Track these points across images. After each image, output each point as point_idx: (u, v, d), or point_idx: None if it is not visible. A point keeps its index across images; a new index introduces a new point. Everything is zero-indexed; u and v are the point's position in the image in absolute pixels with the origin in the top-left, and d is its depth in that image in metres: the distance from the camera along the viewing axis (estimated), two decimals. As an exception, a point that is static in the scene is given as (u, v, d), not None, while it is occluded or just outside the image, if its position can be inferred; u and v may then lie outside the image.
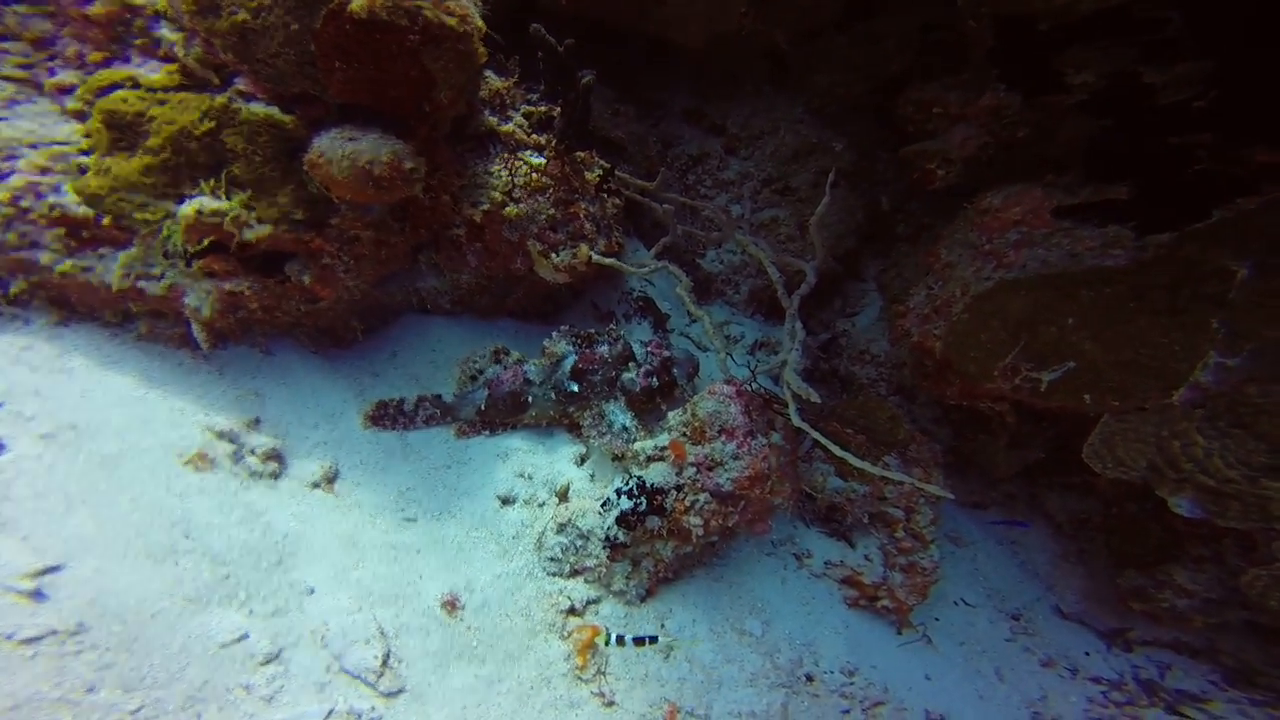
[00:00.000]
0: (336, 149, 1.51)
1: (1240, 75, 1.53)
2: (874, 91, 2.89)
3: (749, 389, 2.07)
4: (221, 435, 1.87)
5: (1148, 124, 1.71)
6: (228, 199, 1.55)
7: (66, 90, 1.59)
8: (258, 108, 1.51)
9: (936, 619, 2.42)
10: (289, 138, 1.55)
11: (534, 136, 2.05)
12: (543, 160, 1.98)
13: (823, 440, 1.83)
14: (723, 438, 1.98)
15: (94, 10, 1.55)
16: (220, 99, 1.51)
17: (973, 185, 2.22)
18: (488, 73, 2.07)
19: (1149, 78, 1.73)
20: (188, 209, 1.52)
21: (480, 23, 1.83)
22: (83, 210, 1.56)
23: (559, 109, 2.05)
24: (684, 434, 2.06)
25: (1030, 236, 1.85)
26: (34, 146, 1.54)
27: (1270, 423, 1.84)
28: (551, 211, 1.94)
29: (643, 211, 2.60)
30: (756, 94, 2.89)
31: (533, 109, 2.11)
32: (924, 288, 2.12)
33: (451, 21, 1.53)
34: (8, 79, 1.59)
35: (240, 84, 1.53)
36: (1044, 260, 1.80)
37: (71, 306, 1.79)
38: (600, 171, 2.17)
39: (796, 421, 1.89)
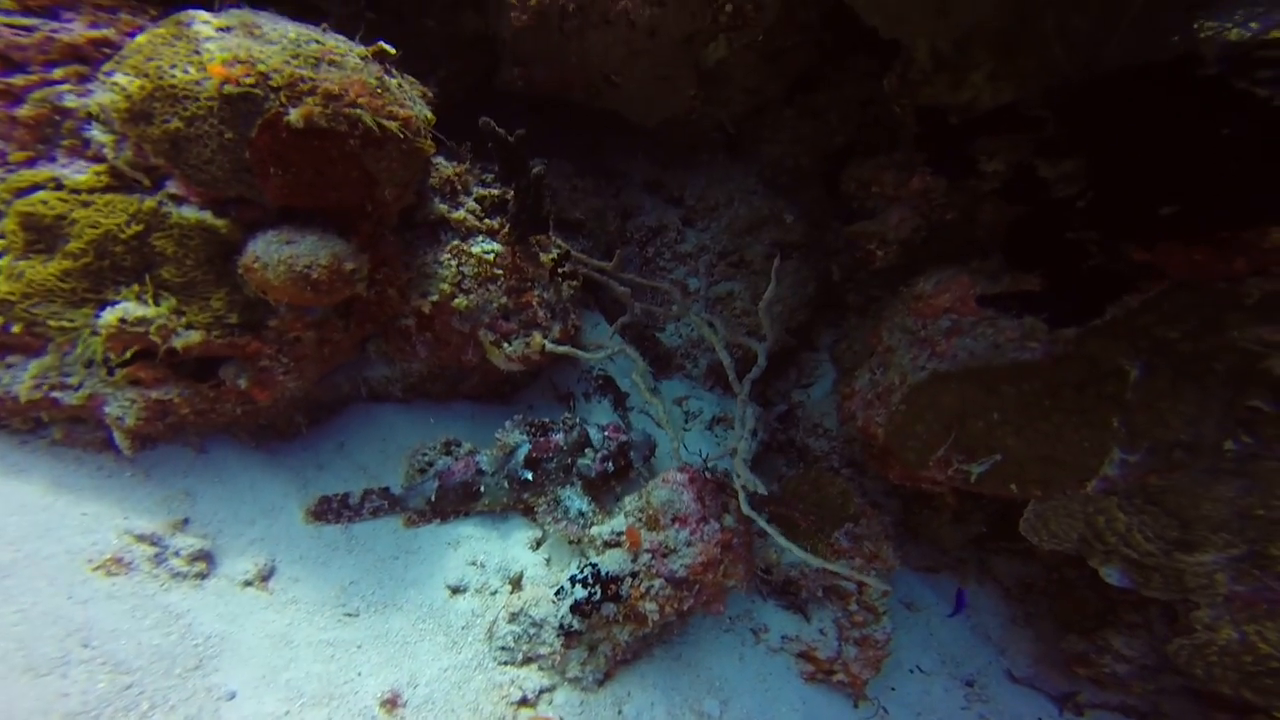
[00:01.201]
0: (273, 253, 1.49)
1: (1106, 175, 1.68)
2: (821, 161, 3.05)
3: (703, 473, 2.10)
4: (141, 538, 1.76)
5: (1048, 217, 1.86)
6: (155, 304, 1.49)
7: (-19, 190, 1.51)
8: (190, 212, 1.48)
9: (893, 689, 2.46)
10: (223, 241, 1.51)
11: (487, 221, 2.07)
12: (495, 247, 1.99)
13: (771, 531, 1.86)
14: (676, 525, 2.00)
15: (22, 112, 1.50)
16: (150, 202, 1.47)
17: (910, 265, 2.35)
18: (438, 159, 2.08)
19: (1043, 172, 1.90)
20: (110, 317, 1.46)
21: (427, 116, 1.86)
22: (-8, 319, 1.48)
23: (512, 193, 2.08)
24: (639, 520, 2.06)
25: (959, 325, 1.97)
26: (-61, 251, 1.46)
27: (1176, 500, 1.98)
28: (504, 300, 1.95)
29: (603, 284, 2.65)
30: (712, 163, 3.01)
31: (486, 192, 2.13)
32: (868, 370, 2.21)
33: (393, 126, 1.55)
34: None
35: (172, 187, 1.49)
36: (971, 351, 1.92)
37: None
38: (556, 253, 2.20)
39: (746, 511, 1.92)
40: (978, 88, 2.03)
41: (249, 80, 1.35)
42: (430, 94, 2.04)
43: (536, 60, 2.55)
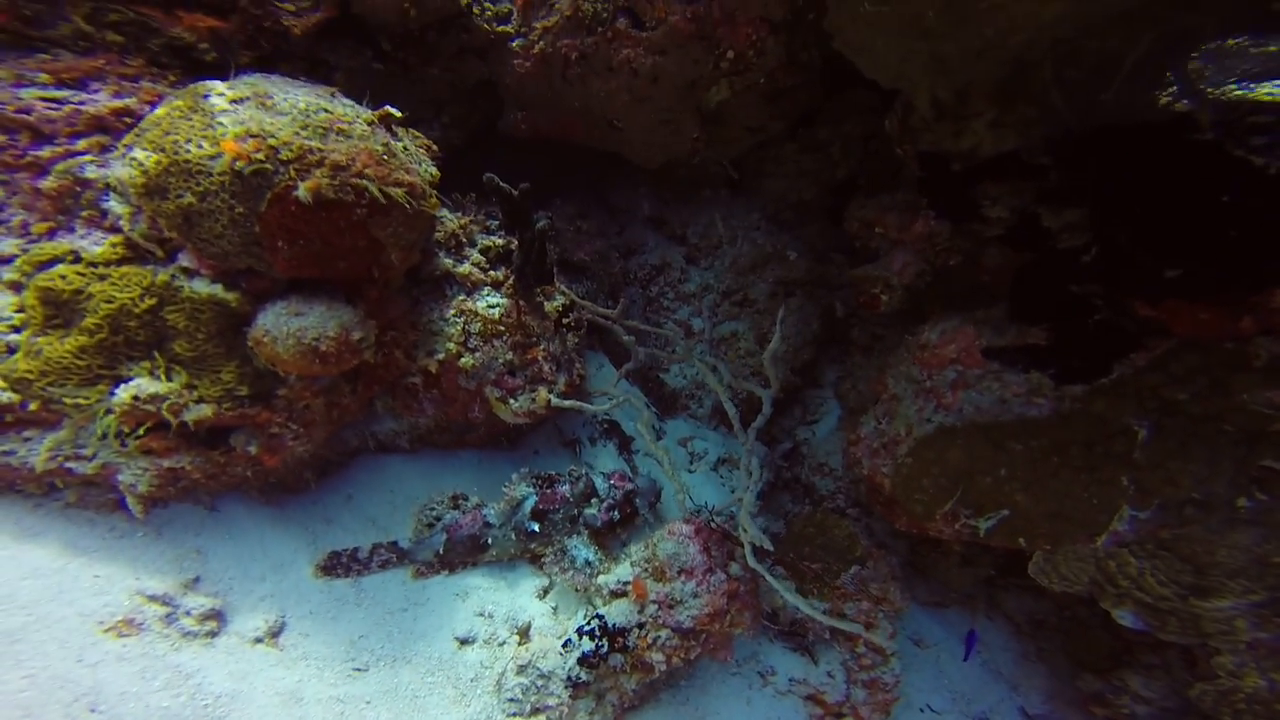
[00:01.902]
0: (281, 326, 1.51)
1: (1109, 231, 1.68)
2: (824, 195, 3.06)
3: (708, 524, 2.11)
4: (153, 599, 1.79)
5: (1052, 268, 1.86)
6: (167, 379, 1.52)
7: (6, 260, 1.55)
8: (201, 285, 1.51)
9: (903, 731, 2.45)
10: (233, 314, 1.54)
11: (491, 274, 2.09)
12: (500, 301, 2.01)
13: (777, 585, 1.87)
14: (682, 577, 2.01)
15: (46, 184, 1.54)
16: (163, 275, 1.50)
17: (915, 310, 2.35)
18: (443, 211, 2.11)
19: (1046, 221, 1.90)
20: (124, 395, 1.49)
21: (433, 174, 1.89)
22: (8, 396, 1.51)
23: (516, 243, 2.10)
24: (645, 570, 2.07)
25: (965, 377, 1.97)
26: (-41, 328, 1.50)
27: (1190, 547, 1.97)
28: (509, 357, 1.97)
29: (608, 328, 2.67)
30: (715, 199, 3.03)
31: (490, 242, 2.15)
32: (873, 418, 2.21)
33: (398, 193, 1.57)
34: None
35: (184, 259, 1.52)
36: (978, 406, 1.92)
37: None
38: (561, 301, 2.22)
39: (752, 563, 1.93)
40: (979, 135, 2.03)
41: (260, 155, 1.38)
42: (435, 147, 2.07)
43: (539, 105, 2.58)
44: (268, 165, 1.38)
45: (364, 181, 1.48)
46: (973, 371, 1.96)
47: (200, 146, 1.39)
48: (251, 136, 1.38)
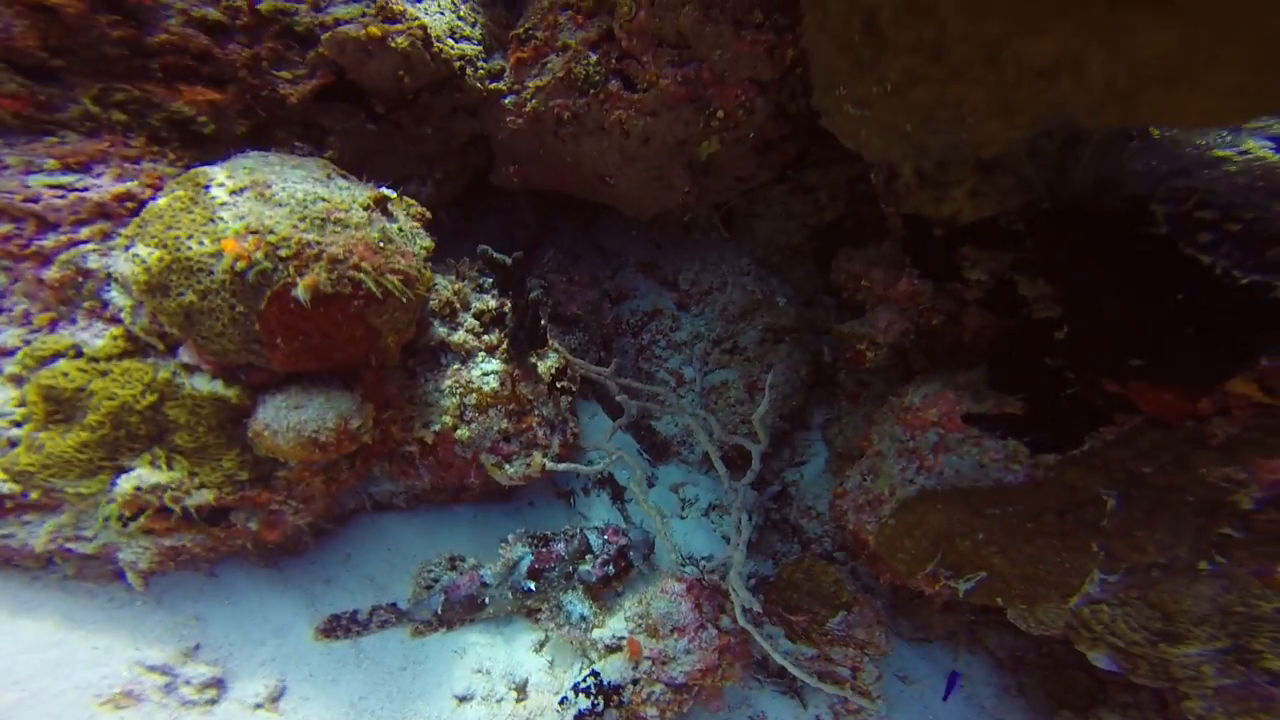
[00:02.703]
0: (281, 420, 1.56)
1: (1077, 311, 1.77)
2: (812, 238, 3.14)
3: (699, 581, 2.19)
4: (152, 669, 1.84)
5: (1029, 338, 1.95)
6: (168, 468, 1.57)
7: (8, 353, 1.58)
8: (201, 382, 1.55)
9: (889, 769, 2.56)
10: (234, 408, 1.59)
11: (485, 338, 2.14)
12: (495, 368, 2.07)
13: (766, 647, 1.96)
14: (675, 635, 2.09)
15: (50, 274, 1.57)
16: (164, 372, 1.54)
17: (900, 367, 2.44)
18: (437, 279, 2.15)
19: (1022, 289, 1.99)
20: (125, 485, 1.53)
21: (427, 246, 1.94)
22: (9, 486, 1.55)
23: (509, 307, 2.15)
24: (639, 626, 2.15)
25: (946, 440, 2.06)
26: (-40, 422, 1.53)
27: (1158, 595, 2.08)
28: (504, 425, 2.03)
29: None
30: (705, 244, 3.09)
31: (483, 305, 2.20)
32: (858, 473, 2.30)
33: (394, 282, 1.62)
34: None
35: (184, 355, 1.56)
36: (958, 470, 2.01)
37: (-12, 558, 1.74)
38: (555, 361, 2.27)
39: (742, 622, 2.01)
40: (959, 203, 2.11)
41: (259, 254, 1.42)
42: (429, 214, 2.11)
43: (531, 160, 2.63)
44: (267, 264, 1.43)
45: (360, 274, 1.53)
46: (953, 435, 2.05)
47: (202, 244, 1.43)
48: (251, 233, 1.42)
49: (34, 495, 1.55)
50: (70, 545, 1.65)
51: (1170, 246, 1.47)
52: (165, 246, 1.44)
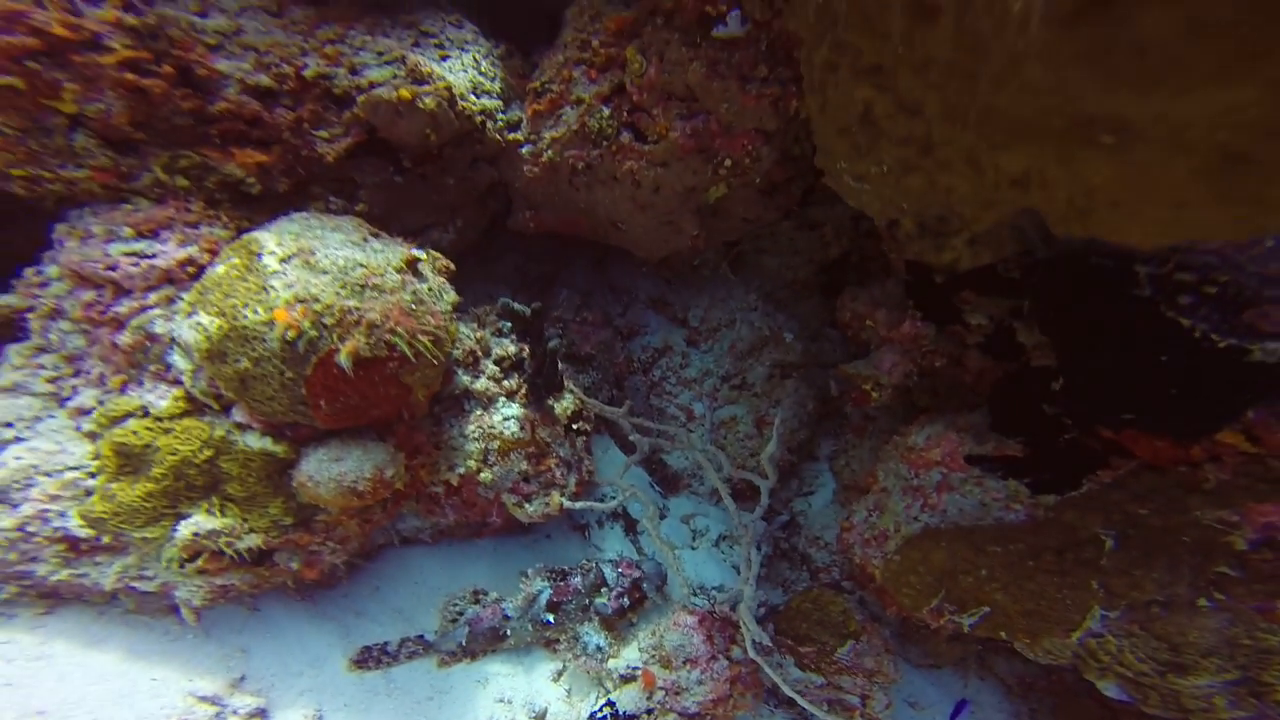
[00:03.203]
0: (323, 472, 1.72)
1: (1070, 363, 1.85)
2: (818, 273, 3.25)
3: (710, 613, 2.30)
4: (203, 699, 1.99)
5: (1028, 384, 2.03)
6: (221, 515, 1.73)
7: (84, 412, 1.76)
8: (253, 440, 1.71)
9: (899, 797, 2.63)
10: (280, 461, 1.75)
11: (505, 384, 2.28)
12: (516, 413, 2.21)
13: (776, 679, 2.06)
14: (687, 666, 2.20)
15: (123, 339, 1.75)
16: (220, 431, 1.71)
17: (904, 406, 2.53)
18: (461, 330, 2.31)
19: (1021, 336, 2.07)
20: (185, 531, 1.70)
21: (454, 299, 2.09)
22: (86, 531, 1.72)
23: (528, 353, 2.30)
24: (653, 657, 2.27)
25: (949, 480, 2.15)
26: (48, 475, 1.71)
27: (1164, 627, 2.14)
28: (524, 467, 2.17)
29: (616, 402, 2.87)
30: (714, 280, 3.22)
31: (503, 352, 2.35)
32: (864, 509, 2.40)
33: (425, 342, 1.77)
34: (36, 395, 1.77)
35: (237, 414, 1.73)
36: (961, 508, 2.10)
37: (59, 597, 1.92)
38: (571, 403, 2.41)
39: (752, 654, 2.12)
40: (958, 250, 2.20)
41: (307, 323, 1.58)
42: (452, 267, 2.27)
43: (547, 206, 2.78)
44: (314, 332, 1.58)
45: (396, 338, 1.68)
46: (956, 475, 2.14)
47: (256, 312, 1.59)
48: (300, 302, 1.58)
49: (106, 539, 1.72)
50: (134, 584, 1.82)
51: (1153, 308, 1.56)
52: (224, 315, 1.60)
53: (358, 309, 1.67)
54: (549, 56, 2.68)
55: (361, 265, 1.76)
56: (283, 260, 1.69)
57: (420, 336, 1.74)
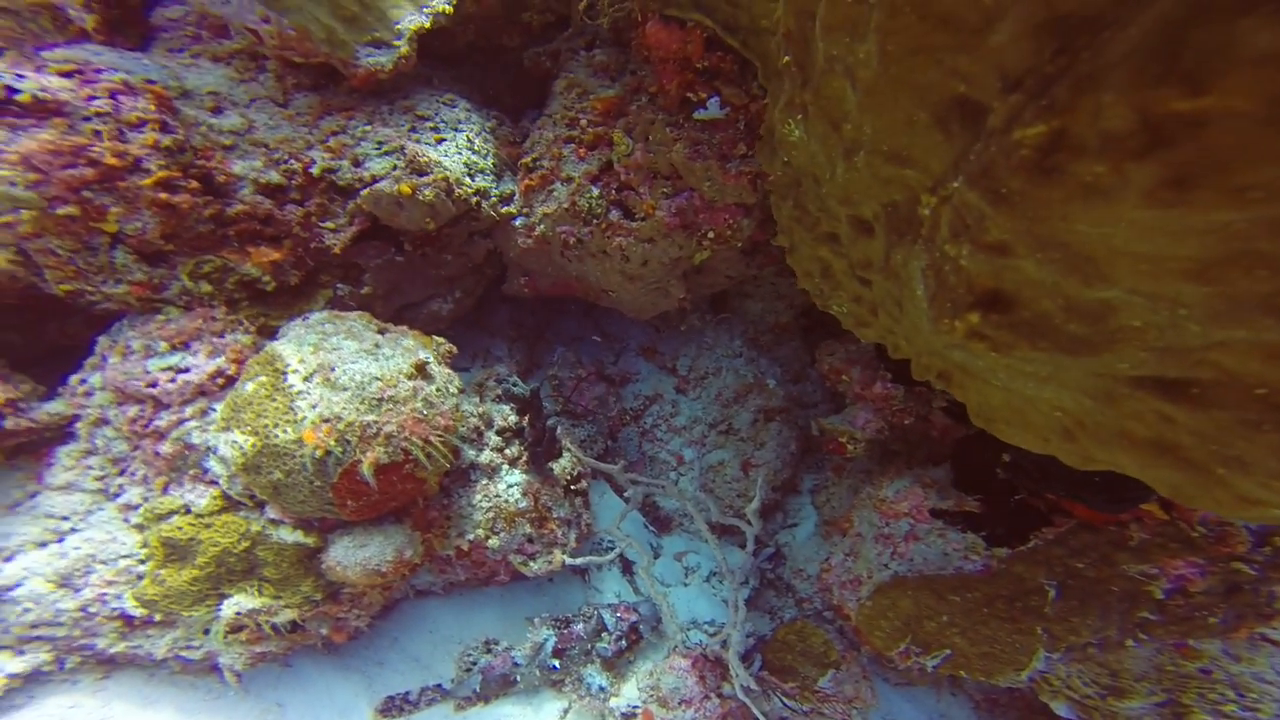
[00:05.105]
0: (350, 558, 1.95)
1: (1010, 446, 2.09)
2: (798, 316, 3.47)
3: (702, 655, 2.57)
4: (245, 755, 2.26)
5: (982, 449, 2.28)
6: (260, 595, 1.97)
7: (132, 507, 1.99)
8: (285, 533, 1.95)
9: (877, 809, 2.94)
10: (310, 549, 1.98)
11: (507, 452, 2.52)
12: (519, 480, 2.45)
13: (760, 716, 2.33)
14: (682, 706, 2.48)
15: (165, 449, 1.97)
16: (256, 525, 1.94)
17: (878, 457, 2.78)
18: (464, 406, 2.53)
19: None
20: (228, 611, 1.94)
21: (458, 386, 2.31)
22: (139, 610, 1.96)
23: (527, 422, 2.53)
24: (651, 696, 2.54)
25: (916, 530, 2.41)
26: (104, 562, 1.95)
27: (1104, 655, 2.42)
28: (528, 530, 2.41)
29: (614, 451, 3.11)
30: (700, 328, 3.44)
31: (504, 423, 2.58)
32: (841, 551, 2.66)
33: (438, 445, 2.00)
34: (86, 491, 2.00)
35: (270, 511, 1.96)
36: (925, 558, 2.36)
37: (115, 664, 2.16)
38: (569, 463, 2.65)
39: (741, 696, 2.39)
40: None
41: (332, 441, 1.81)
42: (454, 350, 2.48)
43: (540, 274, 2.99)
44: (339, 449, 1.81)
45: (411, 445, 1.90)
46: (922, 526, 2.40)
47: (286, 432, 1.82)
48: (325, 422, 1.80)
49: (158, 617, 1.96)
50: (182, 654, 2.07)
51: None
52: (257, 434, 1.82)
53: (376, 423, 1.89)
54: (539, 130, 2.87)
55: (377, 379, 1.97)
56: (305, 379, 1.90)
57: (432, 439, 1.96)
